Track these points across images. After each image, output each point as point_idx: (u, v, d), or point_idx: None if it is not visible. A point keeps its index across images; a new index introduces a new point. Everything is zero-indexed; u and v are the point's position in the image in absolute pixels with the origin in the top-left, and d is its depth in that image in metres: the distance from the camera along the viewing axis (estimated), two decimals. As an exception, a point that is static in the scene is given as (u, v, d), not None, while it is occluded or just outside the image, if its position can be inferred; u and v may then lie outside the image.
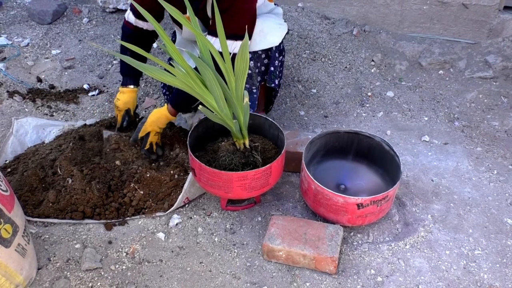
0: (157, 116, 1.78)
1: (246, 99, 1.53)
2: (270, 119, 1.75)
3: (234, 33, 1.62)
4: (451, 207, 1.79)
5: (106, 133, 1.96)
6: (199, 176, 1.65)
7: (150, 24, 1.74)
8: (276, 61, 1.86)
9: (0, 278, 1.32)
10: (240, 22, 1.63)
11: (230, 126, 1.57)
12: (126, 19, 1.87)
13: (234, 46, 1.65)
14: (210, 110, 1.52)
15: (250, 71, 1.80)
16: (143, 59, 1.87)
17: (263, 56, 1.82)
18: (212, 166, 1.62)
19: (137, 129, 1.85)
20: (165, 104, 1.80)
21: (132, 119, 2.01)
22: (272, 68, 1.86)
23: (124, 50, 1.88)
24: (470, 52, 2.64)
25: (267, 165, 1.57)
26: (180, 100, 1.77)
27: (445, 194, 1.85)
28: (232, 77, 1.46)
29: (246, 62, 1.42)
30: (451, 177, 1.93)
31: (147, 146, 1.82)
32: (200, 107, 1.53)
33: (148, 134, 1.80)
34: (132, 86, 1.93)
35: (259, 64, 1.82)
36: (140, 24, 1.84)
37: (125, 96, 1.93)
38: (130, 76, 1.94)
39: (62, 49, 2.81)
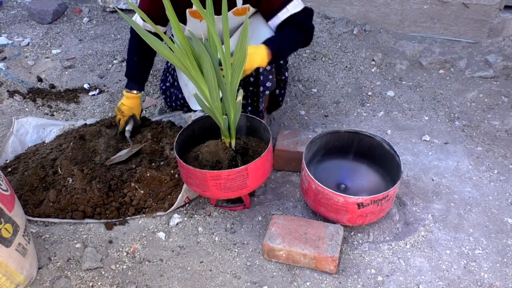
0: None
1: (240, 98, 1.50)
2: (264, 122, 1.72)
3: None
4: (451, 206, 1.79)
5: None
6: (181, 173, 1.65)
7: (158, 26, 1.74)
8: None
9: (0, 278, 1.32)
10: None
11: (220, 121, 1.55)
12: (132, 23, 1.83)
13: (291, 7, 1.73)
14: (203, 101, 1.51)
15: (269, 67, 1.81)
16: (149, 65, 1.93)
17: None
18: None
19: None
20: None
21: (138, 124, 2.02)
22: (281, 61, 1.88)
23: (130, 55, 1.91)
24: (471, 51, 2.64)
25: (242, 166, 1.53)
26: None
27: (446, 194, 1.85)
28: (229, 69, 1.43)
29: (244, 54, 1.39)
30: (451, 177, 1.93)
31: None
32: (193, 93, 1.50)
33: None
34: (135, 92, 1.94)
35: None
36: (148, 27, 1.79)
37: (130, 102, 1.94)
38: (136, 80, 1.94)
39: (62, 49, 2.82)
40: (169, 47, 1.39)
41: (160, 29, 1.76)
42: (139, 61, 1.93)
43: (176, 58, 1.41)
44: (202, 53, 1.35)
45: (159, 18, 1.74)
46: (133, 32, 1.89)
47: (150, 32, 1.56)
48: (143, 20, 1.76)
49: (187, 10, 1.75)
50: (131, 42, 1.92)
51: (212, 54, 1.39)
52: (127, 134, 2.00)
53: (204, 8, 1.36)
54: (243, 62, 1.41)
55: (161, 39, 1.40)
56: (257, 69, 1.78)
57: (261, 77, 1.80)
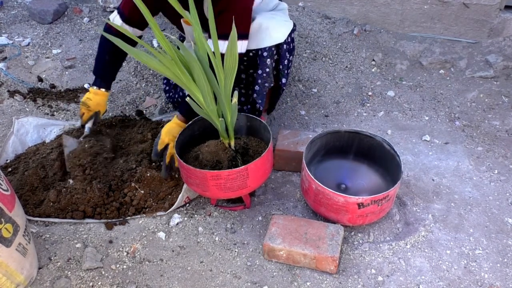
0: (170, 126, 1.74)
1: (235, 99, 1.51)
2: (264, 122, 1.72)
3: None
4: (451, 206, 1.79)
5: (67, 139, 1.88)
6: (182, 173, 1.65)
7: (135, 29, 1.80)
8: (286, 60, 1.86)
9: (1, 278, 1.32)
10: (240, 21, 1.61)
11: (216, 124, 1.55)
12: (110, 23, 1.73)
13: (239, 45, 1.62)
14: (197, 104, 1.51)
15: (268, 69, 1.80)
16: (120, 65, 1.96)
17: (275, 52, 1.81)
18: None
19: (154, 144, 1.76)
20: (174, 116, 1.78)
21: (99, 122, 1.99)
22: (280, 66, 1.86)
23: (101, 54, 1.87)
24: (471, 51, 2.64)
25: (243, 166, 1.53)
26: (188, 107, 1.64)
27: (446, 194, 1.85)
28: (222, 74, 1.44)
29: (235, 60, 1.41)
30: (451, 177, 1.93)
31: (168, 159, 1.73)
32: (187, 98, 1.50)
33: (166, 147, 1.73)
34: (104, 90, 1.89)
35: (272, 60, 1.82)
36: (126, 27, 1.78)
37: (98, 98, 1.88)
38: (105, 79, 1.90)
39: (62, 49, 2.81)
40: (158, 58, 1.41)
41: (138, 32, 1.84)
42: (110, 61, 1.88)
43: (165, 68, 1.40)
44: (192, 60, 1.36)
45: (138, 22, 1.78)
46: (107, 32, 1.80)
47: (117, 35, 1.47)
48: (122, 20, 1.78)
49: (181, 20, 1.77)
50: (104, 42, 1.85)
51: (202, 59, 1.40)
52: (87, 131, 1.92)
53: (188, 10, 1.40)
54: (235, 66, 1.42)
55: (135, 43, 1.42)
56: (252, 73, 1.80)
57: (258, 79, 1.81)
